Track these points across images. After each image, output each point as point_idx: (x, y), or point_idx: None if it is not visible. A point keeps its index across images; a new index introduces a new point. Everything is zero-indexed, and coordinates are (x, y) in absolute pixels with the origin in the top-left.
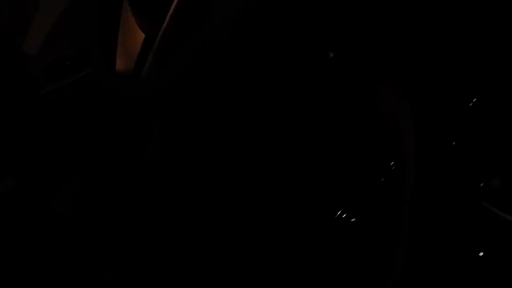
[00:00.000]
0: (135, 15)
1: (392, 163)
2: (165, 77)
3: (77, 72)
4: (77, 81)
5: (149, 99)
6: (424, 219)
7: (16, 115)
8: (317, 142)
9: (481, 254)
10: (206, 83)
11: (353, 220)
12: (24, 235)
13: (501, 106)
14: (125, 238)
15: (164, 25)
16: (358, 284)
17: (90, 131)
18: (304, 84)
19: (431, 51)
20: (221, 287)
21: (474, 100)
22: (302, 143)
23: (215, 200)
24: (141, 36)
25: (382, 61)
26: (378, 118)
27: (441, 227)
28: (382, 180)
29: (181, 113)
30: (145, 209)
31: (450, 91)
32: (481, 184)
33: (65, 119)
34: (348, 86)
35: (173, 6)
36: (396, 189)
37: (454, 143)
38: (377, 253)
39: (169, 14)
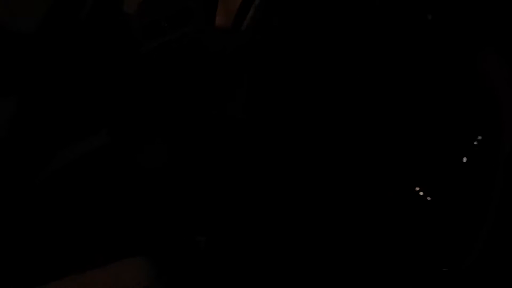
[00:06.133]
0: None
1: (482, 136)
2: (264, 31)
3: (175, 31)
4: (175, 40)
5: (244, 53)
6: None
7: (114, 71)
8: (409, 106)
9: None
10: (303, 42)
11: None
12: (119, 189)
13: None
14: (215, 194)
15: None
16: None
17: (184, 87)
18: (401, 45)
19: None
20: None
21: None
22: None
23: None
24: None
25: (485, 27)
26: (476, 84)
27: None
28: (476, 146)
29: (272, 71)
30: (234, 166)
31: None
32: None
33: (161, 76)
34: (446, 50)
35: None
36: (490, 155)
37: None
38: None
39: None
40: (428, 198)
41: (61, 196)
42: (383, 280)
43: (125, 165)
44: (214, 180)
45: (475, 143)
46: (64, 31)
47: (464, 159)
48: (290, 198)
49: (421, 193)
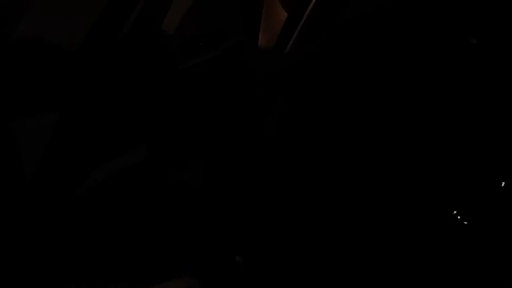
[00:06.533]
0: None
1: None
2: (308, 54)
3: (214, 49)
4: (215, 58)
5: (288, 75)
6: None
7: (154, 89)
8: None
9: None
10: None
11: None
12: (154, 205)
13: None
14: (251, 215)
15: (311, 5)
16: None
17: (223, 105)
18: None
19: None
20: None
21: None
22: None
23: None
24: (284, 14)
25: None
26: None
27: None
28: None
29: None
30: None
31: None
32: None
33: (198, 95)
34: (487, 73)
35: None
36: None
37: None
38: None
39: None
40: (465, 222)
41: (100, 213)
42: None
43: (163, 181)
44: (248, 198)
45: None
46: (106, 48)
47: (503, 183)
48: (327, 221)
49: (459, 217)
